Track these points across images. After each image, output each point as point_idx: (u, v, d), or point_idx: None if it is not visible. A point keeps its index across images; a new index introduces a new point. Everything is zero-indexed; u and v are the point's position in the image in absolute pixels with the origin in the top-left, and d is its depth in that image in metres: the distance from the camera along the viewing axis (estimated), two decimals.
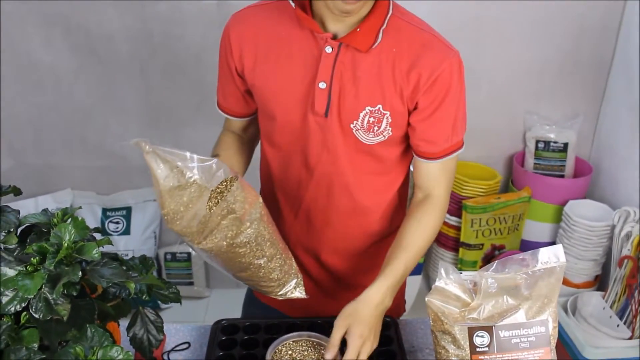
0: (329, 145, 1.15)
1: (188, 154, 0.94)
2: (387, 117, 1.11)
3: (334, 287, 1.33)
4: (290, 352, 1.11)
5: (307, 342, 1.14)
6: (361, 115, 1.11)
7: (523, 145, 2.75)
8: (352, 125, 1.12)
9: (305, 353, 1.11)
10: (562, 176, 2.69)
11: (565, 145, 2.65)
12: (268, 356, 1.10)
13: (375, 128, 1.12)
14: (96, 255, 0.87)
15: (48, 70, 2.45)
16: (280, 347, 1.13)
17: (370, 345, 1.07)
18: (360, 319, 1.06)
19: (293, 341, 1.14)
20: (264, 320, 1.24)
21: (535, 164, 2.68)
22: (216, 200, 0.96)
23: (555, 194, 2.61)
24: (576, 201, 2.54)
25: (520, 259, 1.01)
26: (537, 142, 2.66)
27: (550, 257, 1.01)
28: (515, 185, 2.71)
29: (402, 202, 1.31)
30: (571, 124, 2.67)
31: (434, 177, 1.19)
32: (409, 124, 1.14)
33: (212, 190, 0.96)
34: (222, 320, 1.24)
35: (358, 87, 1.09)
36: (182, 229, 0.97)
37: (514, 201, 2.57)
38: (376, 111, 1.10)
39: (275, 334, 1.19)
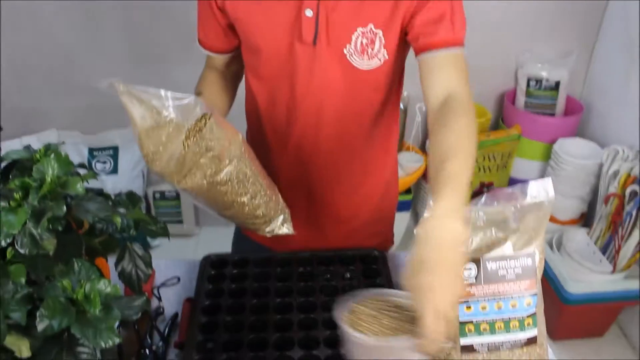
0: (318, 74, 1.12)
1: (162, 91, 0.91)
2: (379, 37, 1.08)
3: (324, 220, 1.33)
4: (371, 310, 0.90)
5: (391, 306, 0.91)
6: (353, 37, 1.08)
7: (514, 83, 2.73)
8: (345, 51, 1.09)
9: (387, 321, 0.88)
10: (552, 115, 2.68)
11: (557, 83, 2.63)
12: (344, 312, 0.89)
13: (369, 50, 1.09)
14: (80, 189, 0.86)
15: (27, 9, 2.36)
16: (360, 304, 0.91)
17: (450, 291, 0.80)
18: (425, 265, 0.80)
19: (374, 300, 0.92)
20: (253, 254, 1.24)
21: (526, 102, 2.67)
22: (194, 139, 0.94)
23: (545, 132, 2.61)
24: (566, 139, 2.54)
25: (509, 192, 1.01)
26: (529, 80, 2.64)
27: (540, 190, 1.01)
28: (506, 123, 2.70)
29: (393, 127, 1.29)
30: (564, 62, 2.64)
31: (446, 74, 1.07)
32: (406, 33, 1.10)
33: (189, 129, 0.93)
34: (212, 254, 1.25)
35: (346, 11, 1.06)
36: (162, 169, 0.95)
37: (503, 139, 2.57)
38: (368, 31, 1.07)
39: (265, 268, 1.20)
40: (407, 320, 0.87)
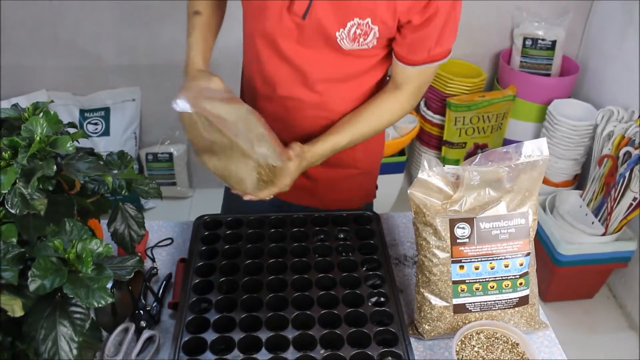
0: (305, 44, 1.10)
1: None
2: (374, 32, 1.06)
3: (304, 180, 1.32)
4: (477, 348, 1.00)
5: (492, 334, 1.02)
6: (348, 25, 1.05)
7: (510, 43, 2.69)
8: (337, 34, 1.07)
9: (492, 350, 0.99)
10: (548, 75, 2.65)
11: (554, 42, 2.60)
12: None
13: (361, 40, 1.07)
14: (70, 148, 0.85)
15: None
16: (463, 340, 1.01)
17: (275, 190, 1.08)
18: (289, 173, 1.08)
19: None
20: (246, 215, 1.24)
21: (521, 62, 2.64)
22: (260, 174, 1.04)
23: (540, 93, 2.59)
24: (560, 100, 2.52)
25: (504, 152, 1.00)
26: (525, 39, 2.60)
27: (534, 150, 1.00)
28: (501, 84, 2.68)
29: (379, 81, 1.27)
30: (560, 20, 2.60)
31: (408, 77, 1.16)
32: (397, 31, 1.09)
33: (260, 166, 1.03)
34: (205, 215, 1.24)
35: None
36: (198, 147, 1.05)
37: (498, 99, 2.55)
38: (364, 24, 1.05)
39: (259, 229, 1.20)
40: None
